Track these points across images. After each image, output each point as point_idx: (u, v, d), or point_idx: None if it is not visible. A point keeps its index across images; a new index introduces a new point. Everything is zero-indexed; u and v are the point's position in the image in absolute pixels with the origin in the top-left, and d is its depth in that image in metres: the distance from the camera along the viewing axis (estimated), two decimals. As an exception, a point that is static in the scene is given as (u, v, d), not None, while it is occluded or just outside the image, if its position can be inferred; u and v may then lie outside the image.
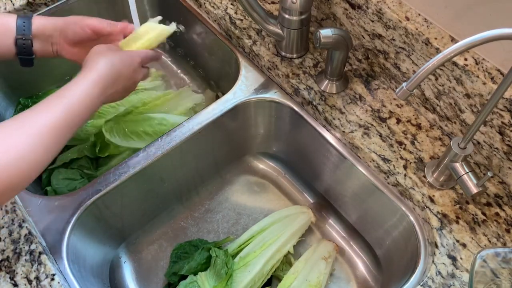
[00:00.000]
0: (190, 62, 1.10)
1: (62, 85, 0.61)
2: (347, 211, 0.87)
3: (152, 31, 0.75)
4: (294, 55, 0.85)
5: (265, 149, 0.97)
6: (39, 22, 0.70)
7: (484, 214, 0.68)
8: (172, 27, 0.76)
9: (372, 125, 0.77)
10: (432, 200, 0.69)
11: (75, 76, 0.63)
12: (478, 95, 0.65)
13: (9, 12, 0.93)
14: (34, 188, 0.84)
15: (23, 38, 0.69)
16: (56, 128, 0.57)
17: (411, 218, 0.71)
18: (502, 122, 0.64)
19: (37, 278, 0.63)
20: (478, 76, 0.64)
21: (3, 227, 0.67)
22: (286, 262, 0.83)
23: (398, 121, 0.77)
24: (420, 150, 0.74)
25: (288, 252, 0.82)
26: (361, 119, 0.77)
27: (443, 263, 0.64)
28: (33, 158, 0.54)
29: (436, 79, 0.70)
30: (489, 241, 0.65)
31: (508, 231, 0.66)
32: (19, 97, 0.97)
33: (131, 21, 0.77)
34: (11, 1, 0.94)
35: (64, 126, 0.58)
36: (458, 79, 0.67)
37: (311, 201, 0.93)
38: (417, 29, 0.69)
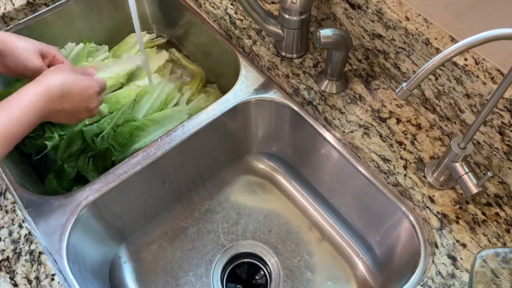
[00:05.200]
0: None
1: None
2: (347, 211, 0.87)
3: (128, 68, 0.77)
4: (294, 55, 0.85)
5: (265, 149, 0.97)
6: None
7: (484, 214, 0.68)
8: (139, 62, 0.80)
9: (372, 125, 0.77)
10: (432, 200, 0.69)
11: (26, 85, 0.64)
12: (478, 95, 0.65)
13: (9, 12, 0.93)
14: (34, 188, 0.84)
15: None
16: (9, 127, 0.60)
17: (411, 218, 0.71)
18: (502, 122, 0.64)
19: (37, 278, 0.63)
20: (478, 76, 0.64)
21: (3, 227, 0.67)
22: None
23: (398, 121, 0.77)
24: (420, 150, 0.74)
25: None
26: (361, 119, 0.77)
27: (443, 263, 0.64)
28: None
29: (436, 79, 0.70)
30: (489, 241, 0.65)
31: (508, 231, 0.66)
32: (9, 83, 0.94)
33: (131, 22, 0.77)
34: (11, 1, 0.94)
35: (5, 133, 0.60)
36: (458, 79, 0.67)
37: (311, 201, 0.93)
38: (417, 29, 0.69)
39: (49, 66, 0.77)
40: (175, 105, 0.94)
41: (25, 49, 0.74)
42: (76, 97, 0.69)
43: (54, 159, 0.87)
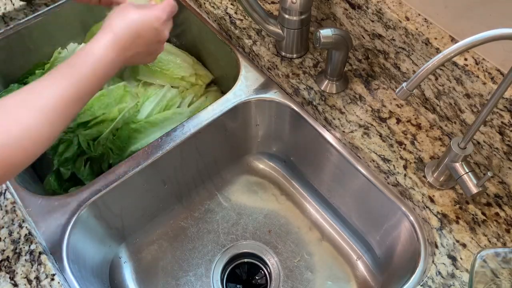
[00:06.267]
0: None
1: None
2: (347, 211, 0.87)
3: None
4: (294, 55, 0.85)
5: (265, 149, 0.97)
6: None
7: (484, 214, 0.68)
8: None
9: (372, 125, 0.77)
10: (432, 200, 0.69)
11: (93, 37, 0.58)
12: (478, 95, 0.65)
13: (9, 12, 0.93)
14: (34, 188, 0.84)
15: None
16: (64, 102, 0.53)
17: (411, 218, 0.71)
18: (502, 122, 0.64)
19: (37, 278, 0.63)
20: (478, 76, 0.64)
21: (3, 227, 0.67)
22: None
23: (398, 121, 0.77)
24: (420, 150, 0.74)
25: None
26: (361, 119, 0.77)
27: (443, 263, 0.64)
28: (38, 135, 0.50)
29: (436, 79, 0.70)
30: (489, 241, 0.65)
31: (508, 231, 0.66)
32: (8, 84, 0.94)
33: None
34: (11, 1, 0.94)
35: (74, 100, 0.54)
36: (458, 79, 0.67)
37: (311, 201, 0.93)
38: (417, 29, 0.69)
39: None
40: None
41: None
42: (146, 37, 0.62)
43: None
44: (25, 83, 0.92)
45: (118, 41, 0.58)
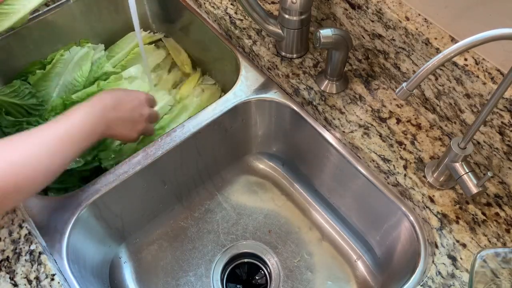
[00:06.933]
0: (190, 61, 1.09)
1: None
2: (347, 211, 0.87)
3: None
4: (294, 55, 0.85)
5: (265, 149, 0.97)
6: None
7: (484, 214, 0.68)
8: None
9: (372, 125, 0.77)
10: (432, 200, 0.69)
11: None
12: (478, 95, 0.65)
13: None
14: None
15: None
16: (60, 140, 0.61)
17: (411, 218, 0.71)
18: (502, 122, 0.64)
19: (37, 278, 0.63)
20: (478, 76, 0.64)
21: (3, 227, 0.67)
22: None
23: (398, 121, 0.77)
24: (420, 150, 0.74)
25: None
26: (361, 119, 0.77)
27: (443, 263, 0.64)
28: (37, 163, 0.57)
29: (436, 79, 0.70)
30: (489, 241, 0.65)
31: (508, 231, 0.66)
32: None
33: (131, 22, 0.77)
34: (11, 1, 0.94)
35: (68, 140, 0.62)
36: (458, 79, 0.67)
37: (311, 201, 0.93)
38: (417, 29, 0.69)
39: None
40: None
41: None
42: (129, 104, 0.73)
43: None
44: (25, 81, 0.92)
45: (101, 101, 0.69)
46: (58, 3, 0.96)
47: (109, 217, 0.79)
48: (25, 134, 0.59)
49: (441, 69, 0.68)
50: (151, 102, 0.79)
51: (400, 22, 0.70)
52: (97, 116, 0.67)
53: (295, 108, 0.83)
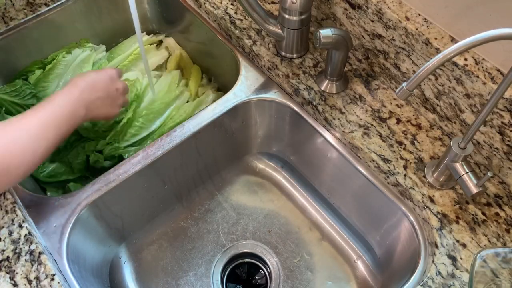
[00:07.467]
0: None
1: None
2: (347, 211, 0.87)
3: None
4: (294, 55, 0.85)
5: (265, 149, 0.97)
6: None
7: (484, 214, 0.68)
8: None
9: (372, 125, 0.77)
10: (432, 200, 0.69)
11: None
12: (478, 95, 0.65)
13: (9, 12, 0.93)
14: (34, 188, 0.84)
15: None
16: (43, 124, 0.63)
17: (411, 218, 0.71)
18: (502, 122, 0.64)
19: (37, 278, 0.63)
20: (478, 76, 0.64)
21: (3, 227, 0.67)
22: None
23: (398, 121, 0.77)
24: (420, 150, 0.74)
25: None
26: (361, 119, 0.77)
27: (443, 263, 0.64)
28: (22, 148, 0.60)
29: (436, 79, 0.70)
30: (489, 241, 0.65)
31: (508, 231, 0.66)
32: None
33: (131, 22, 0.77)
34: (11, 1, 0.94)
35: (51, 124, 0.64)
36: (458, 79, 0.67)
37: (311, 201, 0.93)
38: (417, 29, 0.69)
39: None
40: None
41: None
42: (102, 83, 0.74)
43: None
44: (25, 80, 0.92)
45: (77, 85, 0.71)
46: (58, 3, 0.96)
47: (109, 217, 0.79)
48: (8, 121, 0.62)
49: (441, 69, 0.68)
50: (120, 74, 0.82)
51: (400, 22, 0.70)
52: (75, 99, 0.69)
53: (295, 108, 0.83)
